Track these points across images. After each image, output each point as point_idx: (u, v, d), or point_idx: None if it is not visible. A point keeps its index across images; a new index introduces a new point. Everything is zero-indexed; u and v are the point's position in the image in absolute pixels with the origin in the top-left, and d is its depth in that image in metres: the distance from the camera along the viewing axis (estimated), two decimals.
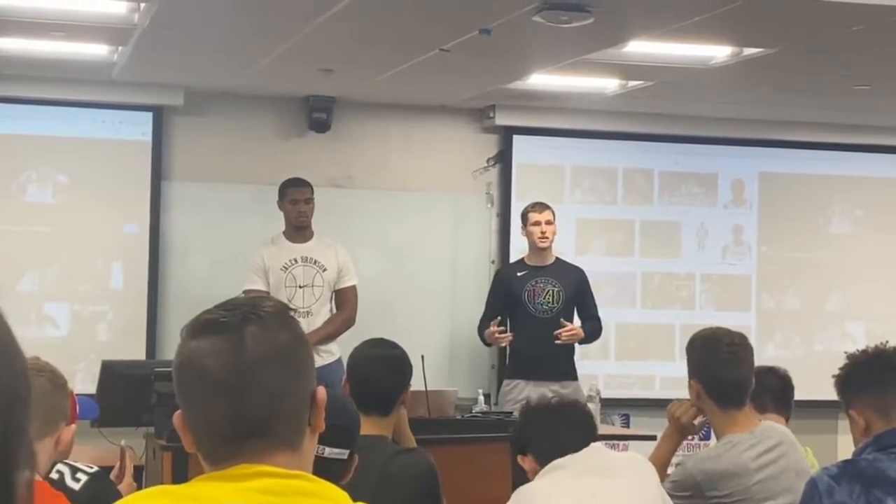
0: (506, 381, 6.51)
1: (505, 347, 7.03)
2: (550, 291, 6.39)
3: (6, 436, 0.85)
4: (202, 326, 1.52)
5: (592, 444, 3.04)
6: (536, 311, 6.36)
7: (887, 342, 2.86)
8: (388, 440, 3.34)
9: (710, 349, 3.43)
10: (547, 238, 6.38)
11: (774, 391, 4.19)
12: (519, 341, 6.35)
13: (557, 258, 6.53)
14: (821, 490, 2.69)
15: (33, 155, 6.82)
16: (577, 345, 6.45)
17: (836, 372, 2.88)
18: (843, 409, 2.86)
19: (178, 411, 1.56)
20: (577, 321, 6.45)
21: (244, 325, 1.51)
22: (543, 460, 3.00)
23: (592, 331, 6.47)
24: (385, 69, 6.11)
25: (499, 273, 6.81)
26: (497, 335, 6.26)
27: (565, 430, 3.04)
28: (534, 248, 6.45)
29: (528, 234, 6.44)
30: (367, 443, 3.12)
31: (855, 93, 6.43)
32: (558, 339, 6.23)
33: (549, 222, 6.39)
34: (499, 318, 6.29)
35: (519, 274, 6.46)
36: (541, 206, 6.43)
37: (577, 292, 6.44)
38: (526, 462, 3.06)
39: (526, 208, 6.49)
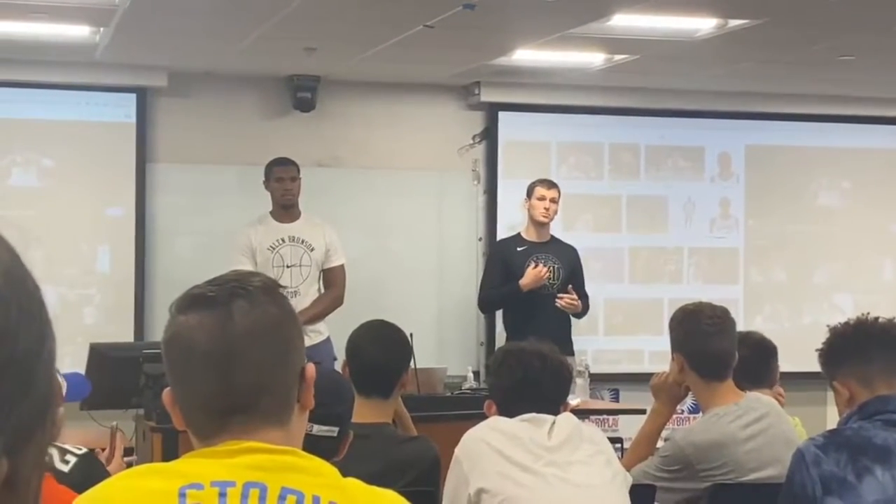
0: None
1: (494, 322, 7.05)
2: (551, 268, 6.42)
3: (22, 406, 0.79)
4: (190, 301, 1.53)
5: (563, 419, 2.99)
6: (537, 286, 6.39)
7: (868, 313, 2.89)
8: (390, 427, 3.32)
9: (692, 322, 3.45)
10: (549, 214, 6.42)
11: (746, 364, 4.06)
12: (517, 316, 6.35)
13: (553, 236, 6.56)
14: (808, 460, 2.70)
15: (17, 139, 6.79)
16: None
17: (820, 345, 2.91)
18: (827, 382, 2.88)
19: (168, 388, 1.55)
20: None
21: (232, 300, 1.51)
22: (504, 410, 3.00)
23: (583, 308, 6.51)
24: (369, 47, 6.08)
25: (496, 246, 6.83)
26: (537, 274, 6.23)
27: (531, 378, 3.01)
28: (533, 223, 6.47)
29: (531, 207, 6.46)
30: (370, 431, 3.11)
31: (840, 63, 6.42)
32: (557, 300, 6.25)
33: (553, 200, 6.43)
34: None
35: (519, 249, 6.47)
36: (549, 183, 6.48)
37: (572, 271, 6.48)
38: (491, 409, 3.06)
39: (534, 182, 6.51)
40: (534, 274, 6.27)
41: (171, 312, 1.55)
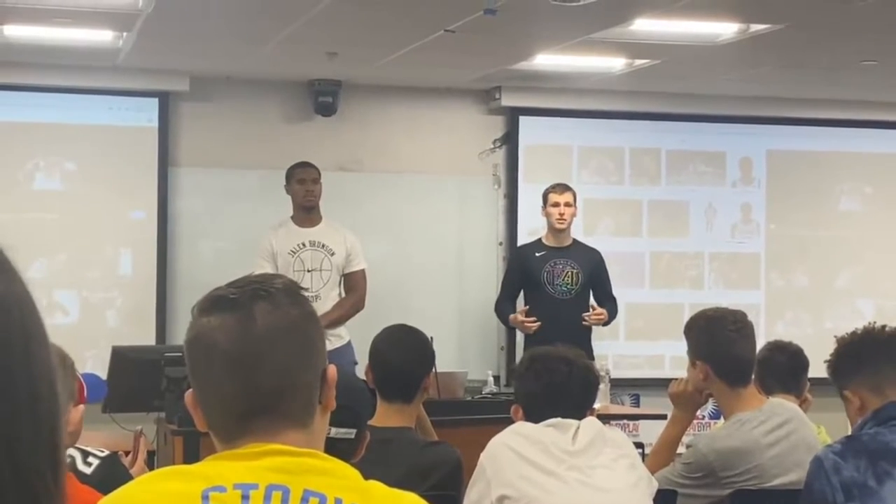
0: None
1: (514, 328, 7.04)
2: (569, 273, 6.40)
3: (52, 415, 0.83)
4: (212, 303, 1.54)
5: (588, 422, 2.98)
6: (556, 292, 6.38)
7: (875, 322, 2.91)
8: (413, 431, 3.32)
9: (716, 329, 3.42)
10: (564, 219, 6.40)
11: (782, 371, 4.14)
12: (536, 321, 6.35)
13: (575, 240, 6.54)
14: (827, 468, 2.70)
15: (40, 142, 6.83)
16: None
17: (828, 357, 2.93)
18: (837, 392, 2.90)
19: (190, 390, 1.56)
20: (591, 303, 6.48)
21: (254, 301, 1.52)
22: (530, 415, 2.99)
23: (608, 313, 6.49)
24: (390, 51, 6.10)
25: (516, 252, 6.83)
26: (525, 323, 6.27)
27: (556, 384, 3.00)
28: (552, 229, 6.46)
29: (547, 215, 6.46)
30: (392, 435, 3.11)
31: (862, 68, 6.40)
32: (584, 321, 6.27)
33: (567, 204, 6.40)
34: (526, 307, 6.32)
35: (537, 254, 6.46)
36: (561, 188, 6.45)
37: (593, 274, 6.46)
38: (518, 413, 3.06)
39: (547, 189, 6.50)
40: (515, 321, 6.33)
41: (193, 314, 1.56)
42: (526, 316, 6.34)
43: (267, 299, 1.53)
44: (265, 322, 1.51)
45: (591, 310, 6.34)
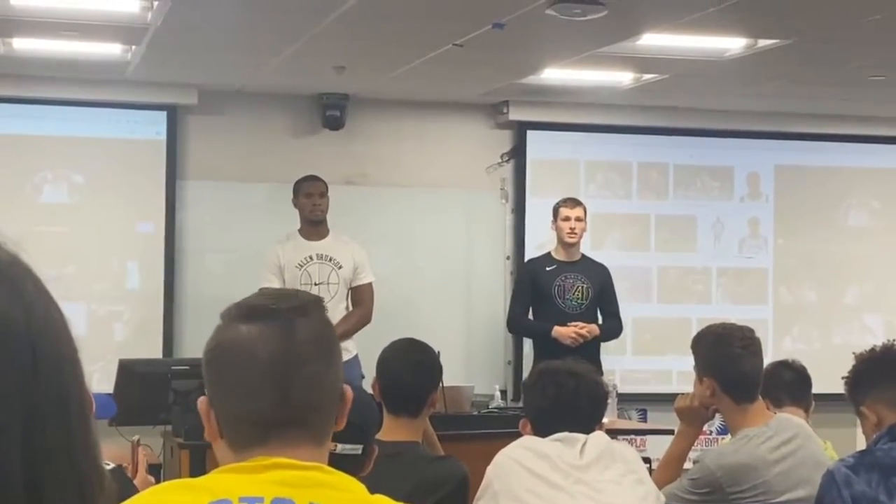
0: None
1: (521, 341, 7.04)
2: (580, 287, 6.40)
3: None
4: (250, 311, 1.53)
5: (596, 436, 2.98)
6: (567, 306, 6.36)
7: (894, 340, 2.92)
8: (420, 446, 3.31)
9: (724, 345, 3.42)
10: (575, 234, 6.39)
11: (790, 384, 4.18)
12: (547, 336, 6.32)
13: (583, 255, 6.53)
14: (839, 481, 2.69)
15: (48, 155, 6.84)
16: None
17: (845, 374, 2.94)
18: (853, 408, 2.90)
19: (204, 397, 1.55)
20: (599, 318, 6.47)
21: (295, 314, 1.53)
22: (538, 429, 2.99)
23: (611, 329, 6.47)
24: (398, 65, 6.11)
25: (525, 265, 6.82)
26: (584, 330, 6.22)
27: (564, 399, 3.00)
28: (562, 243, 6.45)
29: (558, 229, 6.45)
30: (400, 450, 3.10)
31: (870, 83, 6.39)
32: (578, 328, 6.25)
33: (578, 218, 6.40)
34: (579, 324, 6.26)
35: (548, 268, 6.45)
36: (572, 202, 6.45)
37: (602, 290, 6.45)
38: (526, 427, 3.05)
39: (558, 203, 6.50)
40: (568, 334, 6.22)
41: (224, 320, 1.54)
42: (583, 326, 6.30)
43: (304, 313, 1.53)
44: (304, 335, 1.52)
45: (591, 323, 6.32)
